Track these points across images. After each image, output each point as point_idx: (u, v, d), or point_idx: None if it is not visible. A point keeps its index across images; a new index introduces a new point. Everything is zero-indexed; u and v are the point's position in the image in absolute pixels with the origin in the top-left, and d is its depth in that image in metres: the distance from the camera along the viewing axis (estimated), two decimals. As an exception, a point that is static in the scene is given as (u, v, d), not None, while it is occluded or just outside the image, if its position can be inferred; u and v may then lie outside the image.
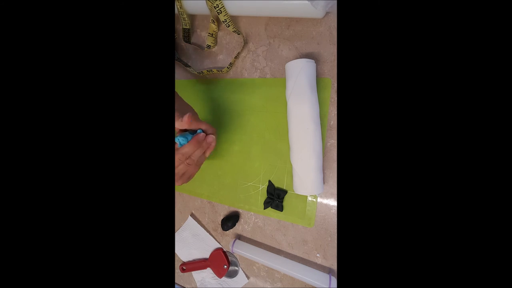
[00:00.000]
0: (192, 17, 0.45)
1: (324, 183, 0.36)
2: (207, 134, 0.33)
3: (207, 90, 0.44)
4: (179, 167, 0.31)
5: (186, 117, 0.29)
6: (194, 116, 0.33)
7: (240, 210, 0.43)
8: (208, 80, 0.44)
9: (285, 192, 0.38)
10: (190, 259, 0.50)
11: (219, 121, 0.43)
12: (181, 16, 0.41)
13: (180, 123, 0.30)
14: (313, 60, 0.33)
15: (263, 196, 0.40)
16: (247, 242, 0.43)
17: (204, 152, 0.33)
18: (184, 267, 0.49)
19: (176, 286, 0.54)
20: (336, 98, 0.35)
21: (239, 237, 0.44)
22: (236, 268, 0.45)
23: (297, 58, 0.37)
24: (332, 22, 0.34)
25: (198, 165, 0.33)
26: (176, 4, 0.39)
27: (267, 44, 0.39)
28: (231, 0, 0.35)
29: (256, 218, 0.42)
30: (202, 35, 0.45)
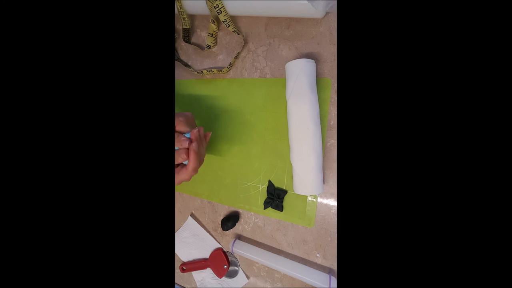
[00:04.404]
0: (192, 17, 0.45)
1: (324, 183, 0.36)
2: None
3: (207, 90, 0.44)
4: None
5: (193, 132, 0.31)
6: (191, 119, 0.34)
7: (240, 210, 0.43)
8: (208, 80, 0.44)
9: (285, 192, 0.38)
10: (190, 259, 0.50)
11: (219, 121, 0.43)
12: (181, 16, 0.41)
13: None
14: (313, 60, 0.33)
15: (263, 196, 0.40)
16: (247, 242, 0.43)
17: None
18: (184, 267, 0.49)
19: (176, 286, 0.54)
20: (336, 98, 0.35)
21: (239, 237, 0.44)
22: (236, 268, 0.45)
23: (297, 58, 0.37)
24: (332, 22, 0.34)
25: (202, 159, 0.34)
26: (176, 4, 0.39)
27: (267, 44, 0.39)
28: (231, 0, 0.35)
29: (256, 218, 0.42)
30: (202, 35, 0.45)
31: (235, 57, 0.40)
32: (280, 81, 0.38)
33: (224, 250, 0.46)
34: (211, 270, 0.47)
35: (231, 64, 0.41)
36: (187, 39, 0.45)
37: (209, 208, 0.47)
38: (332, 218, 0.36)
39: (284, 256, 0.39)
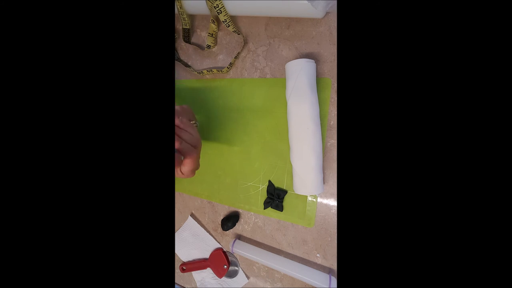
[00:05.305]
0: (192, 17, 0.45)
1: (324, 183, 0.36)
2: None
3: (207, 90, 0.44)
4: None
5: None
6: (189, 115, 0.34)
7: (240, 210, 0.43)
8: (208, 80, 0.44)
9: (285, 192, 0.38)
10: (190, 259, 0.50)
11: (219, 121, 0.43)
12: (181, 16, 0.41)
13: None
14: (313, 60, 0.33)
15: (263, 196, 0.40)
16: (247, 242, 0.43)
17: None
18: (184, 267, 0.49)
19: (176, 286, 0.54)
20: (336, 98, 0.35)
21: (239, 237, 0.44)
22: (236, 268, 0.45)
23: (297, 58, 0.37)
24: (332, 22, 0.34)
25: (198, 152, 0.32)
26: (176, 4, 0.39)
27: (267, 44, 0.39)
28: (231, 0, 0.35)
29: (256, 218, 0.42)
30: (202, 35, 0.45)
31: (235, 57, 0.40)
32: (280, 81, 0.38)
33: (224, 250, 0.46)
34: (211, 270, 0.47)
35: (231, 64, 0.41)
36: (187, 39, 0.45)
37: (209, 208, 0.47)
38: (332, 218, 0.36)
39: (284, 256, 0.39)
